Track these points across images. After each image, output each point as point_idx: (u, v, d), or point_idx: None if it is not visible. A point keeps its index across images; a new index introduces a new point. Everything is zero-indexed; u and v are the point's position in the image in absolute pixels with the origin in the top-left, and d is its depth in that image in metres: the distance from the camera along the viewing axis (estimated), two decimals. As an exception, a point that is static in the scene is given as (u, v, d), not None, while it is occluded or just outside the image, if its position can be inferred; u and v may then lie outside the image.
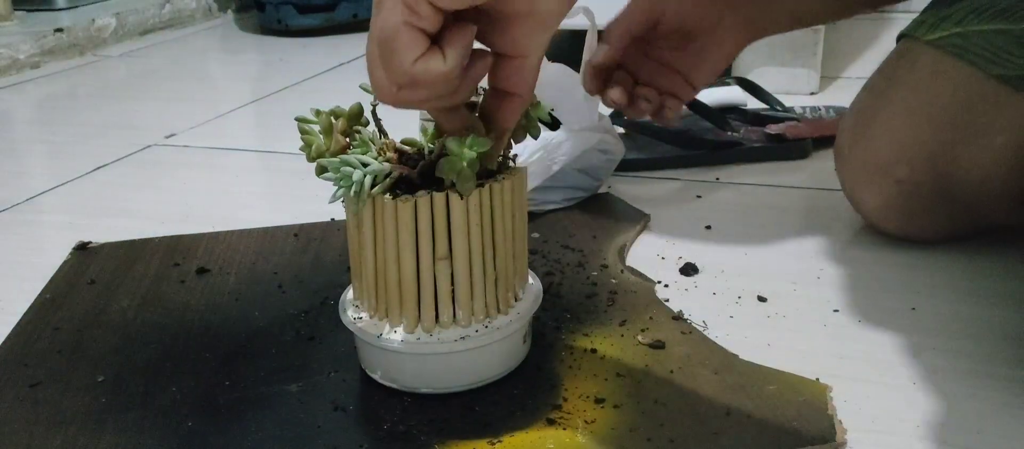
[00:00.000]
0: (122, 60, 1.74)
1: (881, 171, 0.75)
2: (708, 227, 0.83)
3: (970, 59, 0.69)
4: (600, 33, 0.76)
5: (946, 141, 0.71)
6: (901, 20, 0.79)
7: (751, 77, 1.23)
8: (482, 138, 0.51)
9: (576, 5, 0.90)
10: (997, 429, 0.54)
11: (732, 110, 1.11)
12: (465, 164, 0.50)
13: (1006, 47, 0.68)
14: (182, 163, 1.11)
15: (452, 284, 0.55)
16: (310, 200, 0.91)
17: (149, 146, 1.17)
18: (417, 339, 0.55)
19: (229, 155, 1.14)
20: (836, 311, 0.68)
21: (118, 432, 0.55)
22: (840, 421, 0.54)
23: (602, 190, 0.90)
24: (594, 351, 0.62)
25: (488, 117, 0.52)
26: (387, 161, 0.53)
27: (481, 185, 0.53)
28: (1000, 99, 0.69)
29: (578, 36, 0.83)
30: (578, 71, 0.86)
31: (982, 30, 0.69)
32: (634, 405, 0.56)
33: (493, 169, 0.54)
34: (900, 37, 0.78)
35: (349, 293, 0.60)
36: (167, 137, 1.20)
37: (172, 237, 0.84)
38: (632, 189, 0.94)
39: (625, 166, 0.95)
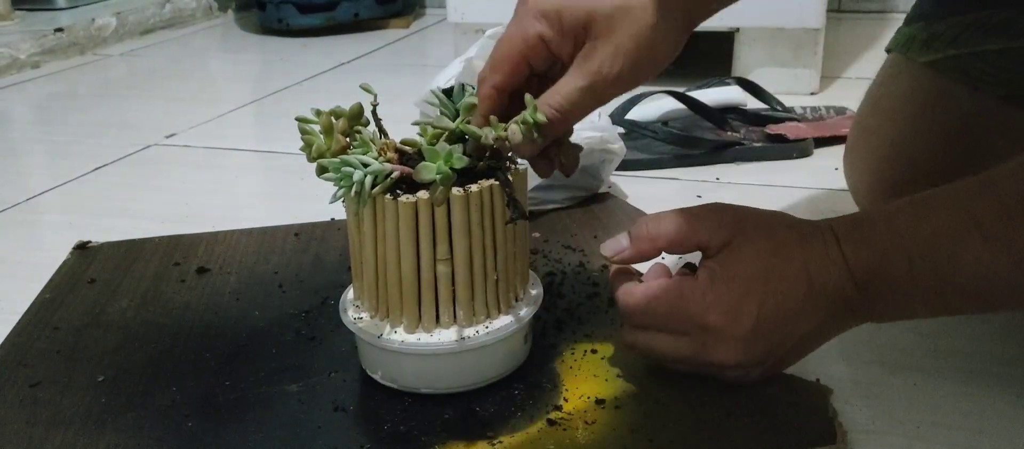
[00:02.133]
0: (122, 59, 1.74)
1: (895, 189, 0.74)
2: (708, 227, 0.83)
3: (974, 83, 0.68)
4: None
5: (956, 159, 0.70)
6: (900, 21, 0.78)
7: (751, 77, 1.23)
8: (460, 156, 0.52)
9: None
10: (997, 429, 0.54)
11: (732, 110, 1.11)
12: (437, 177, 0.51)
13: (1010, 66, 0.66)
14: (182, 163, 1.11)
15: (452, 284, 0.55)
16: (310, 200, 0.91)
17: (149, 146, 1.17)
18: (417, 339, 0.55)
19: (229, 155, 1.14)
20: (837, 311, 0.68)
21: (118, 432, 0.55)
22: (840, 422, 0.54)
23: (602, 190, 0.90)
24: (595, 351, 0.62)
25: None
26: (387, 161, 0.53)
27: (481, 185, 0.53)
28: (1009, 119, 0.67)
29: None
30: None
31: (982, 51, 0.67)
32: (635, 406, 0.56)
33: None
34: (888, 49, 0.77)
35: (349, 293, 0.60)
36: (167, 137, 1.20)
37: (172, 237, 0.84)
38: (632, 189, 0.93)
39: (625, 166, 0.95)
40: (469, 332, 0.55)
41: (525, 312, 0.58)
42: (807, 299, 0.52)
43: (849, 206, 0.82)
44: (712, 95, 1.11)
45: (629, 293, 0.56)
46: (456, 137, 0.56)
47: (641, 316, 0.55)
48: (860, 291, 0.52)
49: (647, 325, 0.56)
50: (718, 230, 0.54)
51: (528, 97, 0.54)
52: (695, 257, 0.56)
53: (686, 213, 0.55)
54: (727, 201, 0.58)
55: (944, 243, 0.49)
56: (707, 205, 0.56)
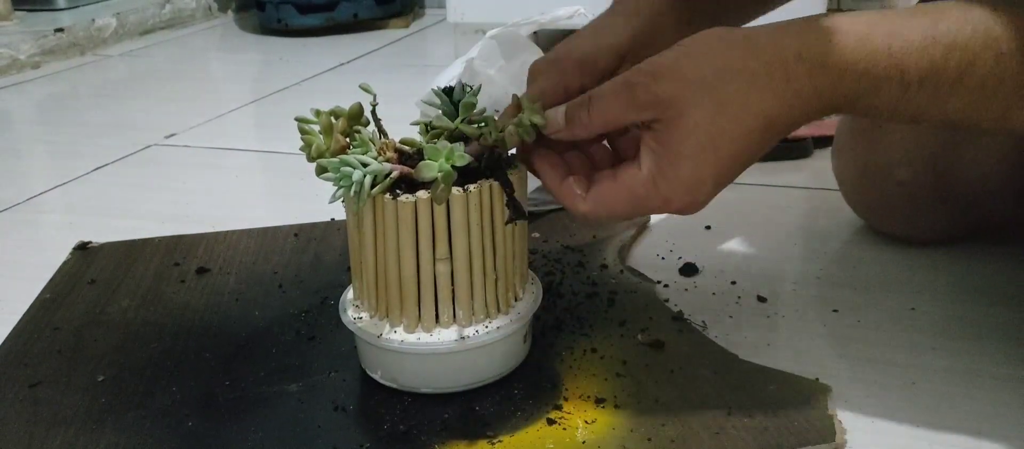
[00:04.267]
0: (122, 60, 1.74)
1: (882, 172, 0.74)
2: (708, 227, 0.83)
3: None
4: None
5: (947, 141, 0.71)
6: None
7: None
8: (462, 154, 0.52)
9: (572, 5, 0.90)
10: (997, 429, 0.54)
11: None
12: (439, 175, 0.51)
13: None
14: (182, 163, 1.11)
15: (452, 284, 0.55)
16: (310, 200, 0.91)
17: (149, 146, 1.17)
18: (417, 339, 0.55)
19: (229, 155, 1.14)
20: (836, 311, 0.68)
21: (118, 432, 0.55)
22: (840, 421, 0.54)
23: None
24: (594, 351, 0.62)
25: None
26: (387, 161, 0.53)
27: (481, 185, 0.53)
28: None
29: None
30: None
31: None
32: (634, 405, 0.56)
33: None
34: None
35: (349, 293, 0.60)
36: (167, 137, 1.20)
37: (172, 237, 0.84)
38: (632, 189, 0.93)
39: (625, 166, 0.95)
40: (469, 332, 0.55)
41: (524, 312, 0.58)
42: (764, 138, 0.49)
43: (847, 206, 0.82)
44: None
45: (579, 199, 0.53)
46: (455, 137, 0.56)
47: (598, 218, 0.54)
48: (834, 109, 0.49)
49: (610, 218, 0.54)
50: (653, 106, 0.49)
51: (525, 99, 0.54)
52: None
53: (620, 91, 0.51)
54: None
55: (955, 61, 0.45)
56: (641, 71, 0.50)
